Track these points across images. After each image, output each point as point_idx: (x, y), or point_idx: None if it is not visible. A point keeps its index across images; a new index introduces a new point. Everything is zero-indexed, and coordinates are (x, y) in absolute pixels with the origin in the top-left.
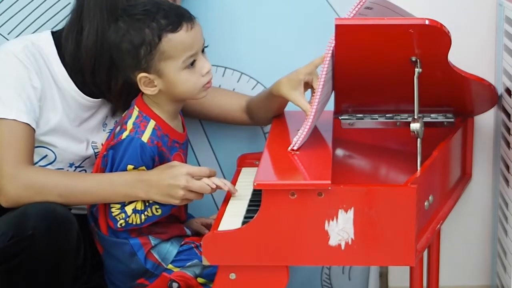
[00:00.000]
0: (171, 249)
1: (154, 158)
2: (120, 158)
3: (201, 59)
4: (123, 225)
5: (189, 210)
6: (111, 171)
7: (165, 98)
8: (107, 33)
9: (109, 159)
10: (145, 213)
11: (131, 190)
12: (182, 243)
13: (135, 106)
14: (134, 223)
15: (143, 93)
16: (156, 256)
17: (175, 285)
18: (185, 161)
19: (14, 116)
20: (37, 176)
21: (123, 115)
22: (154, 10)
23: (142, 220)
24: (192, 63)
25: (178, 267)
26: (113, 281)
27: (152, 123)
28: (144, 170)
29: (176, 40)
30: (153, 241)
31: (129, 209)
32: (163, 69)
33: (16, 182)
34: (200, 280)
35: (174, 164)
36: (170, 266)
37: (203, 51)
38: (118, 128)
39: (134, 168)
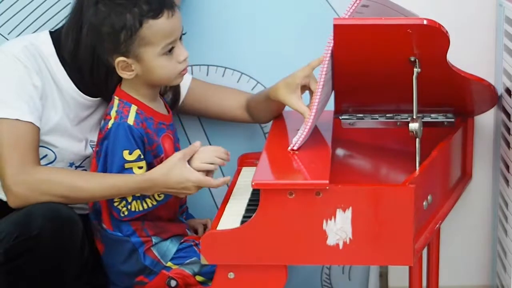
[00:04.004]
0: (170, 246)
1: (143, 140)
2: (112, 146)
3: (179, 46)
4: (126, 213)
5: (189, 209)
6: (105, 161)
7: (142, 82)
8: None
9: (103, 151)
10: (146, 199)
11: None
12: (182, 241)
13: (115, 96)
14: (137, 210)
15: (120, 83)
16: (156, 253)
17: (173, 282)
18: (175, 141)
19: (17, 115)
20: (43, 176)
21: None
22: None
23: (145, 207)
24: (170, 50)
25: (177, 264)
26: (113, 281)
27: (134, 108)
28: (144, 170)
29: (157, 27)
30: (154, 239)
31: (129, 196)
32: (142, 54)
33: (23, 182)
34: (198, 278)
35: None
36: (169, 264)
37: (180, 38)
38: (103, 121)
39: (129, 153)
